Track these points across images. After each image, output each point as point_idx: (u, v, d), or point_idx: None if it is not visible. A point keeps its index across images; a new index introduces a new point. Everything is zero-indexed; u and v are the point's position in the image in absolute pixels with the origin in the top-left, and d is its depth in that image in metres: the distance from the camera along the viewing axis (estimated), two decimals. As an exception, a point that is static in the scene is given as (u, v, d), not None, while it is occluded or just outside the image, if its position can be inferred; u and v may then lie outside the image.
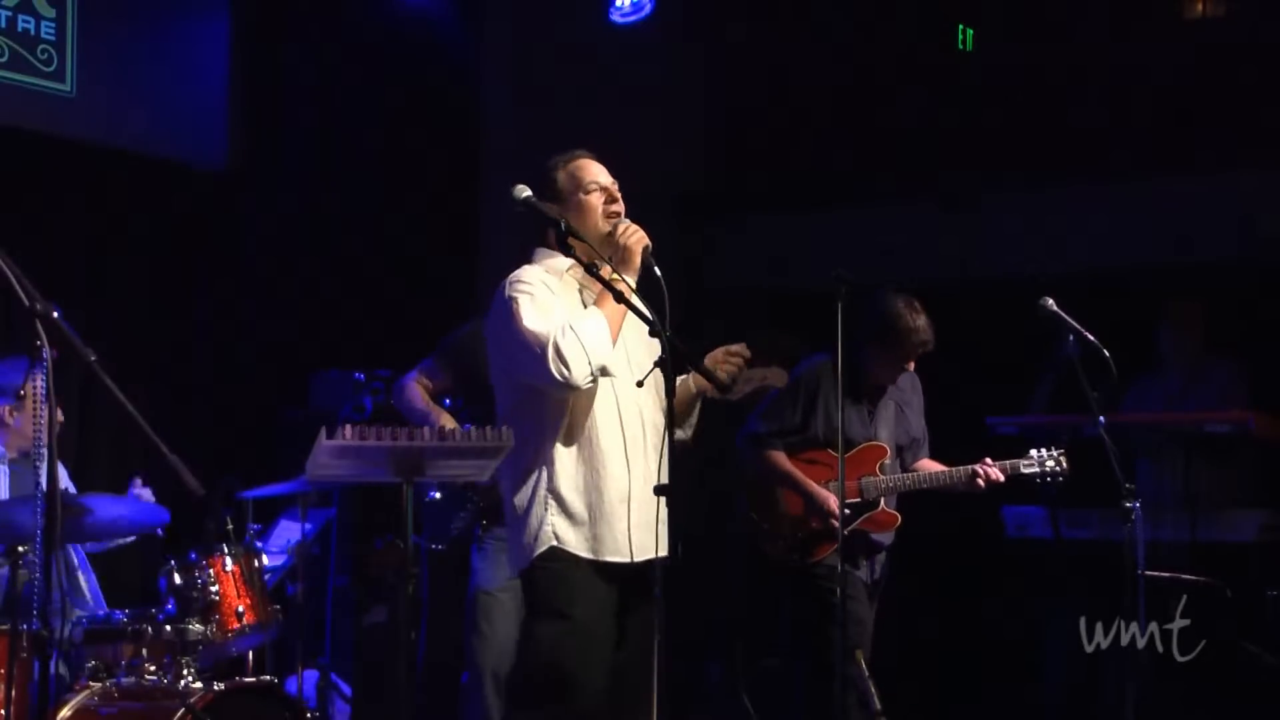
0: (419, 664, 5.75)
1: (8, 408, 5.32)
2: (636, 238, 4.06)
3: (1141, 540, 5.12)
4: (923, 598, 6.56)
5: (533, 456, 4.09)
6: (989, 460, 5.56)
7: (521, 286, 4.09)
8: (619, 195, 4.22)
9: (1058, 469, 5.58)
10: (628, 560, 4.05)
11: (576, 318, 4.03)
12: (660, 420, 4.04)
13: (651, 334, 3.81)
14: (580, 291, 4.18)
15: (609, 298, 3.95)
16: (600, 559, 4.06)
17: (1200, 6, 8.06)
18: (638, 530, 4.02)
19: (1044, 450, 5.59)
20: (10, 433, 5.37)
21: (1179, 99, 7.48)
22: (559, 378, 3.95)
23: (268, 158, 7.58)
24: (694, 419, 4.31)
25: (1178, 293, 6.88)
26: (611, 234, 4.10)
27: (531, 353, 3.99)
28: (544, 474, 4.08)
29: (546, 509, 4.07)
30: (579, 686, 4.00)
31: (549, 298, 4.08)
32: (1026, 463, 5.59)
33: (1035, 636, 6.55)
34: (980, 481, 5.52)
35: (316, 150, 7.81)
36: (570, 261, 4.12)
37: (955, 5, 8.32)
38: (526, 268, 4.18)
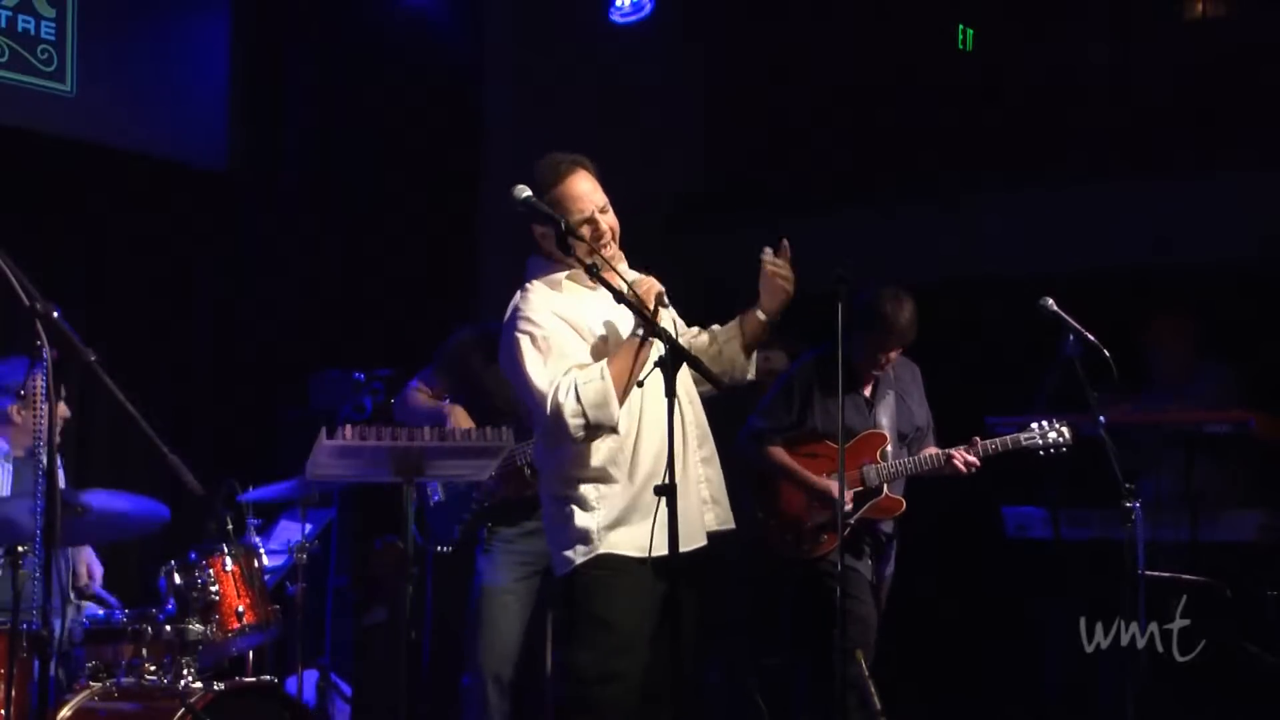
0: (423, 666, 5.75)
1: (14, 406, 5.31)
2: (645, 288, 4.00)
3: (1141, 540, 5.11)
4: (923, 598, 6.54)
5: (578, 461, 4.04)
6: (970, 442, 5.53)
7: (524, 325, 4.05)
8: (606, 219, 4.11)
9: (1060, 440, 5.49)
10: (678, 552, 3.91)
11: (582, 376, 3.94)
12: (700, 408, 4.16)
13: (647, 335, 3.84)
14: (583, 300, 4.10)
15: (630, 347, 3.93)
16: (654, 555, 3.95)
17: (1200, 6, 8.06)
18: (684, 521, 3.86)
19: (1045, 422, 5.52)
20: (16, 430, 5.35)
21: (1179, 99, 7.48)
22: (556, 434, 3.96)
23: (268, 158, 7.58)
24: (752, 361, 4.40)
25: (1177, 293, 6.87)
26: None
27: (534, 403, 4.01)
28: (593, 478, 4.04)
29: (594, 513, 4.03)
30: (622, 691, 3.98)
31: (556, 329, 4.03)
32: (1027, 435, 5.51)
33: (1035, 636, 6.55)
34: (958, 464, 5.49)
35: (316, 150, 7.80)
36: (566, 270, 4.09)
37: (955, 5, 8.32)
38: (529, 296, 4.11)
